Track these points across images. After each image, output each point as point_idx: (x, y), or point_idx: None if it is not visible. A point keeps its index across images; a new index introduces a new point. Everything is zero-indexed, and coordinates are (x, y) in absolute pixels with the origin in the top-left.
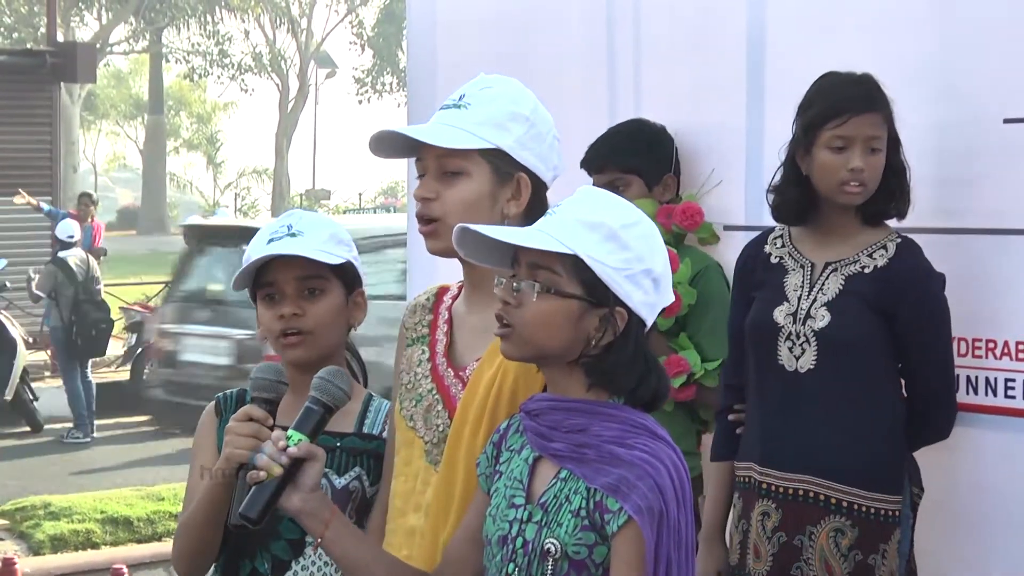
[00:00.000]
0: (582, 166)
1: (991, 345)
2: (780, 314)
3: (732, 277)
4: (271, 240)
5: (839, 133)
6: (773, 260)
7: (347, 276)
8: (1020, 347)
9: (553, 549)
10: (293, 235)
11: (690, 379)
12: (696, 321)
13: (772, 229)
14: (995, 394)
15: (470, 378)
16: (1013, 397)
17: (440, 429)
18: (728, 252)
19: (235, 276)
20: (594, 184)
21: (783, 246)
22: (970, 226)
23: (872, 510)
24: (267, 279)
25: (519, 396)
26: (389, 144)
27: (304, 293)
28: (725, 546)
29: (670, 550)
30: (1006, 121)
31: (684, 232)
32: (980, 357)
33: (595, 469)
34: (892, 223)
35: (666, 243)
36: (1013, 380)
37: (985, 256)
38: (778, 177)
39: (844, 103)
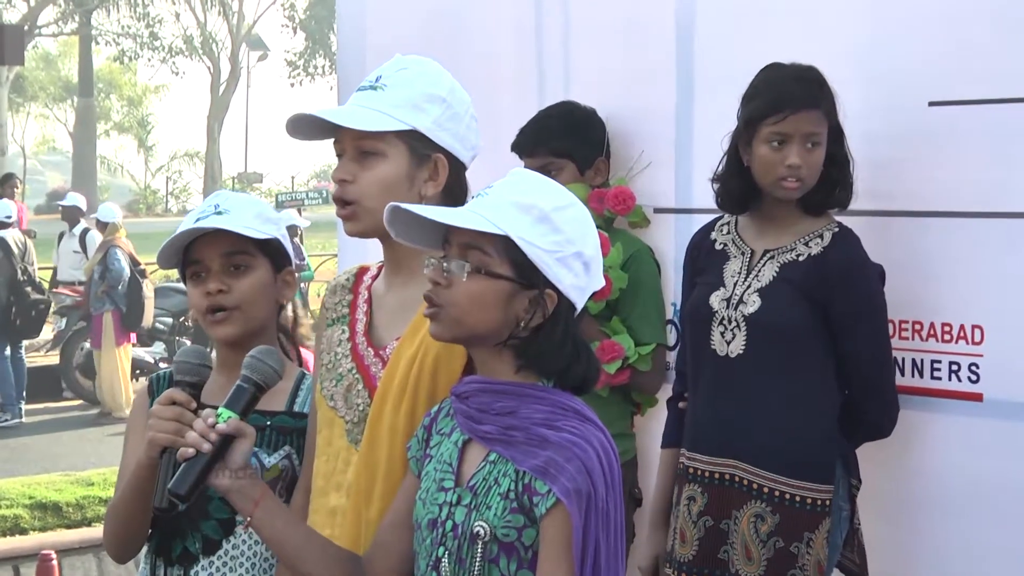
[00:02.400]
0: (513, 149)
1: (917, 327)
2: (715, 299)
3: (670, 262)
4: (198, 220)
5: (777, 129)
6: (717, 247)
7: (274, 254)
8: (945, 328)
9: (482, 532)
10: (219, 214)
11: (624, 363)
12: (628, 305)
13: (721, 216)
14: (921, 376)
15: (390, 357)
16: (939, 379)
17: (360, 408)
18: (658, 235)
19: (158, 253)
20: (525, 168)
21: (728, 233)
22: (895, 208)
23: (797, 498)
24: (194, 257)
25: (439, 375)
26: (307, 126)
27: (230, 269)
28: (665, 532)
29: (598, 532)
30: (931, 104)
31: (615, 216)
32: (907, 339)
33: (524, 451)
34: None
35: (597, 227)
36: (939, 362)
37: (911, 238)
38: (721, 166)
39: (783, 100)
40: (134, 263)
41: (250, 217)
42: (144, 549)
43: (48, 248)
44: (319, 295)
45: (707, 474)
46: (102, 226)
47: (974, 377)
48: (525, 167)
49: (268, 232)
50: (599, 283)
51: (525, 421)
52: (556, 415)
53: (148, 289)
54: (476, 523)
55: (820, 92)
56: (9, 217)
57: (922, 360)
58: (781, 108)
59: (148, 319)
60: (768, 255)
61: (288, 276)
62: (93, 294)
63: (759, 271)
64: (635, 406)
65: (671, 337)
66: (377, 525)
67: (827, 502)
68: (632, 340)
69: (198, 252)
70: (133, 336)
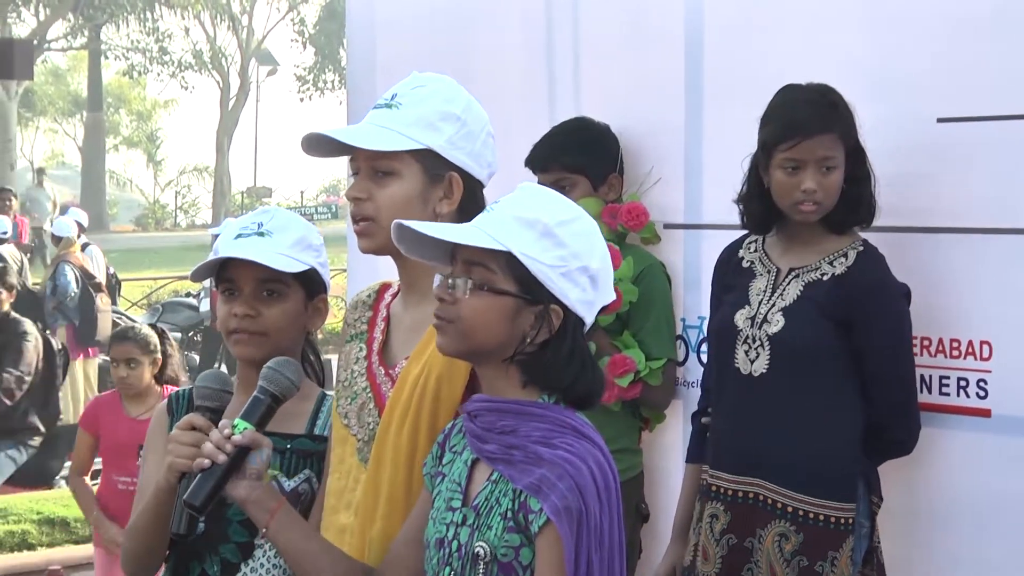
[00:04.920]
0: (527, 165)
1: (926, 343)
2: (740, 318)
3: (680, 277)
4: (239, 236)
5: (790, 156)
6: (744, 264)
7: (310, 282)
8: (954, 344)
9: (482, 552)
10: (261, 234)
11: (636, 377)
12: (639, 319)
13: (749, 232)
14: (930, 391)
15: (398, 377)
16: (947, 394)
17: (371, 427)
18: (667, 250)
19: (194, 268)
20: (539, 183)
21: (755, 251)
22: (903, 224)
23: (822, 517)
24: (228, 275)
25: (442, 395)
26: (321, 144)
27: (261, 294)
28: (685, 545)
29: (591, 551)
30: (939, 120)
31: (627, 231)
32: (915, 354)
33: (521, 470)
34: None
35: (609, 241)
36: (947, 377)
37: (919, 254)
38: (744, 188)
39: (795, 126)
40: (88, 277)
41: (291, 243)
42: (162, 570)
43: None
44: None
45: (730, 492)
46: (56, 240)
47: (982, 393)
48: (539, 182)
49: (306, 262)
50: (608, 297)
51: (524, 439)
52: (554, 433)
53: (103, 303)
54: (477, 544)
55: (834, 115)
56: (5, 232)
57: (930, 376)
58: (794, 134)
59: (104, 332)
60: (793, 274)
61: (320, 304)
62: (46, 310)
63: (784, 290)
64: (643, 422)
65: (680, 352)
66: (380, 544)
67: (850, 520)
68: (643, 354)
69: (233, 271)
70: (93, 350)
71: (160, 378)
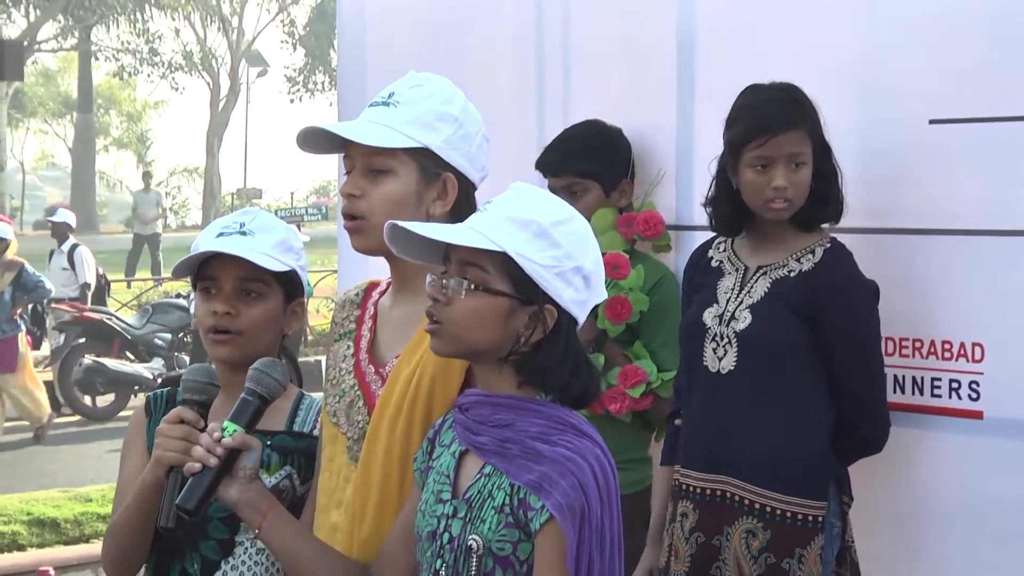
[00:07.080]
0: (537, 167)
1: (917, 344)
2: (708, 316)
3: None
4: (221, 234)
5: (759, 154)
6: (713, 264)
7: (289, 284)
8: (946, 346)
9: (475, 546)
10: (243, 233)
11: (647, 388)
12: (652, 330)
13: (716, 234)
14: (921, 393)
15: (388, 375)
16: (939, 396)
17: (360, 426)
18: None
19: (175, 264)
20: (550, 188)
21: (724, 251)
22: (896, 226)
23: (789, 514)
24: (209, 272)
25: (436, 394)
26: (316, 140)
27: (241, 293)
28: (660, 547)
29: (592, 549)
30: (931, 122)
31: (639, 238)
32: (907, 356)
33: (518, 465)
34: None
35: (623, 251)
36: (939, 379)
37: (911, 256)
38: (712, 191)
39: (762, 124)
40: None
41: (272, 244)
42: (142, 570)
43: (40, 265)
44: (318, 311)
45: (699, 490)
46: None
47: (974, 395)
48: (549, 186)
49: (287, 263)
50: (601, 296)
51: (521, 434)
52: (552, 429)
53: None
54: (470, 537)
55: (800, 112)
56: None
57: (922, 378)
58: (761, 132)
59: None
60: (761, 271)
61: (298, 307)
62: (3, 317)
63: (751, 287)
64: (651, 431)
65: None
66: (370, 544)
67: (819, 518)
68: (655, 366)
69: (214, 269)
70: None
71: None
